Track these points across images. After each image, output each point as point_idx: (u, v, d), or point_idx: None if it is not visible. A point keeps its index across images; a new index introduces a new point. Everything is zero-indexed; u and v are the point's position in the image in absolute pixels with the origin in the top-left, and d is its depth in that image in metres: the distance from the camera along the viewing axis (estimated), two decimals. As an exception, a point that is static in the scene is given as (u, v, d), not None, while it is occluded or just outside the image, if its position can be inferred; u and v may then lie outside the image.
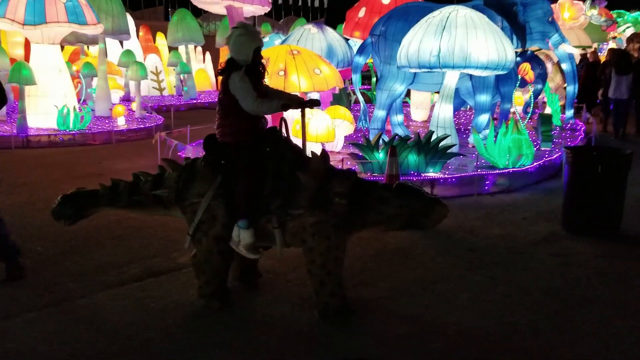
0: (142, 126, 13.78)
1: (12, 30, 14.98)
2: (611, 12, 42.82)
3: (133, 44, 24.57)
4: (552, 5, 21.69)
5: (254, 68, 4.01)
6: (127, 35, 16.42)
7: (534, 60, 11.94)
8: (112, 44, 23.86)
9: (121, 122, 13.83)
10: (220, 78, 4.07)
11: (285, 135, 4.14)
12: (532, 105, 12.67)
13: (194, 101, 22.02)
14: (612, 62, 13.13)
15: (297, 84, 8.29)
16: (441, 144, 8.07)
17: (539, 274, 4.95)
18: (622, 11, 47.18)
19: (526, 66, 8.98)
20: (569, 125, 13.21)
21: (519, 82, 11.99)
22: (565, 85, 15.82)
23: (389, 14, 10.73)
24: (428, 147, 8.01)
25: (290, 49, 8.68)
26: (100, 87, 15.71)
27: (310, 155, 3.99)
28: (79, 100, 14.39)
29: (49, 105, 13.02)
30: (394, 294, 4.46)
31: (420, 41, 8.24)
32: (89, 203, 4.51)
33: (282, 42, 11.96)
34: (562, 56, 11.60)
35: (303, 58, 8.49)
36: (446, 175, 7.91)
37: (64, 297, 4.50)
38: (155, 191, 4.31)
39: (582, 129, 12.62)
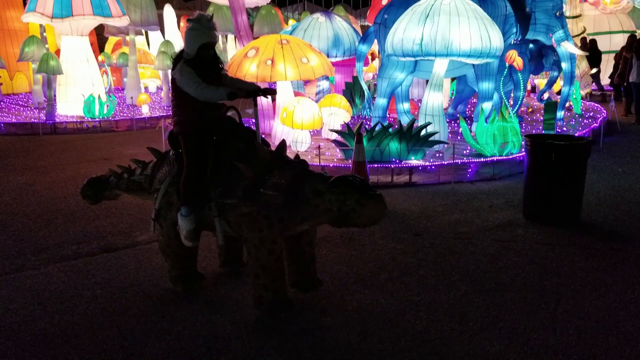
0: (163, 114, 14.35)
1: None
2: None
3: (174, 34, 25.36)
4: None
5: (199, 61, 4.03)
6: (155, 26, 17.02)
7: (549, 47, 11.71)
8: (154, 35, 24.74)
9: (145, 110, 14.44)
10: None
11: (239, 124, 4.18)
12: (546, 92, 12.48)
13: (229, 90, 22.47)
14: (633, 48, 12.77)
15: (284, 72, 8.53)
16: (423, 131, 8.15)
17: (471, 258, 5.04)
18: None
19: (512, 53, 8.84)
20: (590, 113, 12.92)
21: (532, 70, 11.88)
22: (592, 71, 15.38)
23: (392, 2, 10.77)
24: (410, 134, 8.11)
25: (280, 38, 8.91)
26: (130, 76, 16.42)
27: (257, 145, 4.01)
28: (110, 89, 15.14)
29: (77, 93, 13.76)
30: (321, 274, 4.65)
31: (404, 29, 8.31)
32: (103, 186, 4.87)
33: (292, 31, 12.22)
34: (563, 55, 11.08)
35: (291, 47, 8.70)
36: (424, 163, 7.99)
37: (18, 268, 4.95)
38: (137, 177, 4.61)
39: (602, 117, 12.32)
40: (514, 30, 10.27)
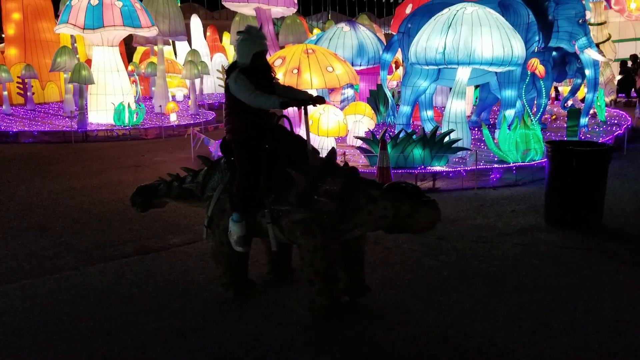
0: (191, 122, 14.69)
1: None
2: None
3: (200, 43, 25.87)
4: (618, -4, 20.87)
5: (253, 70, 4.12)
6: (183, 36, 17.39)
7: (572, 55, 11.77)
8: (181, 45, 25.28)
9: (173, 118, 14.81)
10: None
11: (290, 132, 4.25)
12: (570, 99, 12.52)
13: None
14: None
15: (310, 81, 8.75)
16: (447, 138, 8.29)
17: (493, 261, 5.17)
18: None
19: (534, 61, 8.94)
20: (615, 120, 12.92)
21: (555, 77, 11.94)
22: (615, 78, 15.35)
23: (415, 11, 10.96)
24: (433, 141, 8.26)
25: (306, 47, 9.15)
26: (159, 85, 16.83)
27: (309, 153, 4.05)
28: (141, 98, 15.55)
29: (108, 102, 14.18)
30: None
31: (427, 39, 8.47)
32: (152, 194, 4.91)
33: (317, 40, 12.46)
34: (587, 61, 11.11)
35: (317, 56, 8.93)
36: (448, 169, 8.12)
37: (59, 268, 5.23)
38: (188, 185, 4.68)
39: (627, 123, 12.32)
40: (537, 38, 10.37)
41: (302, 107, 4.16)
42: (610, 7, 20.35)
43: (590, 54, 10.92)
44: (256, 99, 3.99)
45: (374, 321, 4.04)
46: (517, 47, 8.25)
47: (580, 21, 10.57)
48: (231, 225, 4.19)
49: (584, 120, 11.94)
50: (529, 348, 3.66)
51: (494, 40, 8.08)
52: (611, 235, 5.88)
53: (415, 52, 8.69)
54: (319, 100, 4.21)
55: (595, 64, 11.24)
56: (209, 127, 11.99)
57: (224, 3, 12.70)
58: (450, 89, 9.49)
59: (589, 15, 20.43)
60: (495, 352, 3.62)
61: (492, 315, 4.12)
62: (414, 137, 8.28)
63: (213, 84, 26.21)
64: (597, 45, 19.45)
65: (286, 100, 3.97)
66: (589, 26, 20.84)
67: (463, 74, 8.81)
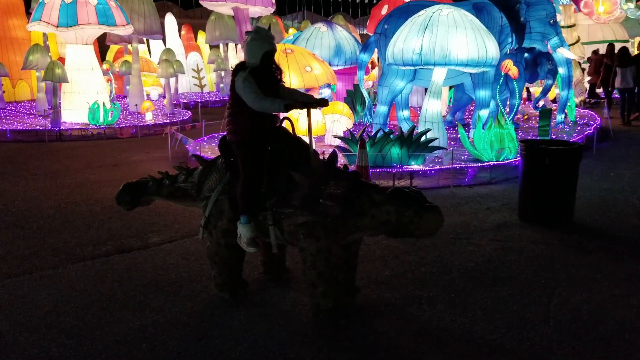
0: (167, 121, 14.62)
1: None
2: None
3: (175, 42, 25.71)
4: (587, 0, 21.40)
5: (262, 71, 4.08)
6: (158, 35, 17.30)
7: (544, 56, 12.05)
8: (155, 43, 25.09)
9: (149, 117, 14.72)
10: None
11: (292, 134, 4.20)
12: (541, 100, 12.82)
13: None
14: (616, 57, 14.58)
15: (288, 81, 8.81)
16: (423, 138, 8.43)
17: (470, 256, 5.31)
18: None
19: (508, 62, 9.14)
20: (584, 120, 13.26)
21: (527, 78, 12.21)
22: (585, 80, 15.77)
23: (391, 12, 11.10)
24: (410, 140, 8.39)
25: (285, 47, 9.20)
26: (133, 84, 16.72)
27: (312, 155, 4.02)
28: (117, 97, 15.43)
29: (82, 101, 14.03)
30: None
31: (404, 40, 8.61)
32: (141, 192, 4.84)
33: (294, 40, 12.53)
34: (560, 60, 11.46)
35: (295, 56, 9.00)
36: (424, 168, 8.27)
37: (38, 268, 5.20)
38: (182, 184, 4.63)
39: (596, 123, 12.66)
40: (510, 40, 10.60)
41: (306, 110, 4.12)
42: (580, 10, 20.84)
43: (563, 52, 11.23)
44: (260, 103, 3.95)
45: (355, 315, 4.13)
46: (491, 48, 8.43)
47: (551, 21, 10.85)
48: (240, 228, 4.16)
49: (560, 117, 12.30)
50: (506, 339, 3.79)
51: (469, 41, 8.25)
52: (582, 231, 6.07)
53: (393, 52, 8.82)
54: (323, 102, 4.19)
55: (568, 62, 11.59)
56: (186, 127, 11.97)
57: (201, 2, 12.68)
58: (426, 89, 9.64)
59: (559, 17, 20.91)
60: (474, 343, 3.74)
61: (471, 308, 4.24)
62: (392, 136, 8.40)
63: (188, 83, 26.08)
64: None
65: (290, 102, 3.95)
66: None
67: (439, 74, 8.96)
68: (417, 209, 3.67)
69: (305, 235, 3.87)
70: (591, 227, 6.22)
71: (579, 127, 12.26)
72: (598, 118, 13.62)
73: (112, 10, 14.07)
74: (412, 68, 9.00)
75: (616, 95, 16.03)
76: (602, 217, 6.55)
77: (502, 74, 9.70)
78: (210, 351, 3.69)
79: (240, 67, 4.15)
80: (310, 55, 9.35)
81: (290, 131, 4.22)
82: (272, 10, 12.69)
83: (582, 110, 14.97)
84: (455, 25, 8.31)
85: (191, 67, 26.19)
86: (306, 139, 4.16)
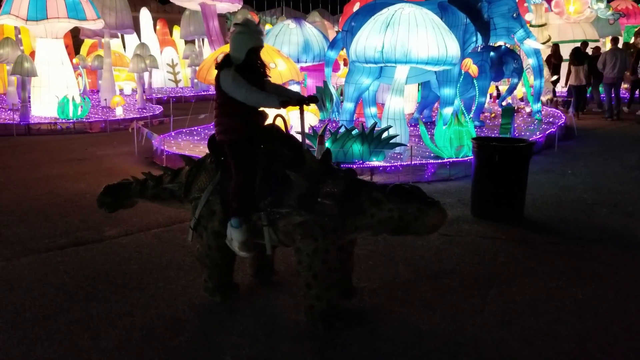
0: (137, 116, 14.59)
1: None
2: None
3: (150, 37, 25.58)
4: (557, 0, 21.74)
5: (248, 66, 3.94)
6: (130, 30, 17.22)
7: (509, 55, 12.28)
8: (130, 38, 24.93)
9: (119, 112, 14.67)
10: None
11: (285, 131, 4.09)
12: (507, 98, 13.08)
13: (204, 92, 22.77)
14: (570, 56, 15.74)
15: (252, 77, 8.89)
16: (385, 134, 8.58)
17: (418, 250, 5.44)
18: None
19: (467, 61, 9.32)
20: (548, 118, 13.52)
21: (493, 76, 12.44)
22: (552, 79, 16.12)
23: (358, 10, 11.23)
24: (371, 137, 8.54)
25: (250, 44, 9.27)
26: (105, 78, 16.63)
27: (306, 153, 3.91)
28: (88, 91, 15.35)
29: (51, 95, 13.95)
30: (278, 265, 4.99)
31: (367, 37, 8.73)
32: (123, 194, 4.67)
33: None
34: (528, 51, 11.83)
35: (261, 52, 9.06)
36: (384, 164, 8.42)
37: (-9, 260, 5.25)
38: (169, 185, 4.46)
39: (560, 122, 12.93)
40: (474, 38, 10.80)
41: (300, 107, 3.97)
42: (551, 10, 21.16)
43: (530, 43, 11.54)
44: (253, 97, 3.80)
45: (298, 306, 4.24)
46: (451, 47, 8.59)
47: (514, 15, 11.12)
48: (231, 231, 3.97)
49: (537, 106, 12.68)
50: (439, 329, 3.94)
51: (430, 40, 8.39)
52: (531, 226, 6.25)
53: (356, 50, 8.94)
54: (314, 99, 4.06)
55: (537, 52, 11.91)
56: (153, 122, 11.97)
57: (170, -1, 12.69)
58: (387, 86, 9.79)
59: (530, 17, 21.25)
60: (408, 333, 3.88)
61: (410, 300, 4.38)
62: (354, 132, 8.54)
63: (163, 78, 25.98)
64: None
65: (285, 99, 3.79)
66: (531, 27, 21.69)
67: (401, 72, 9.10)
68: (420, 206, 3.57)
69: (302, 236, 3.76)
70: (540, 222, 6.40)
71: (544, 126, 12.51)
72: (564, 116, 13.90)
73: (82, 4, 13.98)
74: (375, 66, 9.14)
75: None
76: (552, 213, 6.74)
77: (463, 73, 9.87)
78: (150, 340, 3.78)
79: (225, 61, 3.98)
80: (275, 52, 9.42)
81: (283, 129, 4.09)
82: (239, 6, 12.73)
83: (548, 109, 15.25)
84: (416, 23, 8.45)
85: (166, 62, 26.09)
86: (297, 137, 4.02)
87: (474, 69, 9.37)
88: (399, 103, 9.28)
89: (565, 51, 19.98)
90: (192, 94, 22.28)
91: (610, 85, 15.46)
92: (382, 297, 4.42)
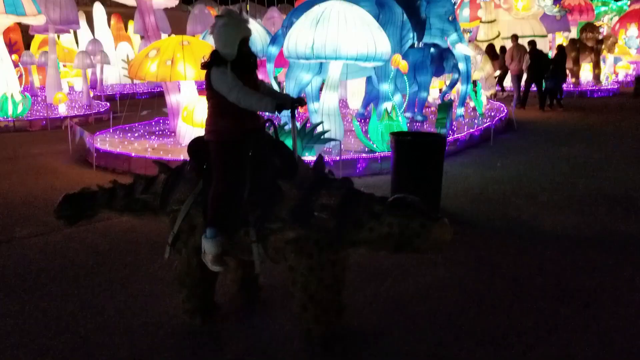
0: (81, 113, 14.37)
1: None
2: (596, 1, 42.82)
3: (104, 32, 25.18)
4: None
5: (241, 61, 3.64)
6: (76, 25, 16.93)
7: (449, 51, 12.44)
8: (83, 33, 24.51)
9: (62, 109, 14.43)
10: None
11: (277, 138, 3.83)
12: (449, 93, 13.30)
13: (160, 89, 22.49)
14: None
15: (183, 73, 8.85)
16: (318, 129, 8.64)
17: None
18: (607, 0, 47.14)
19: (396, 57, 9.44)
20: (492, 112, 13.77)
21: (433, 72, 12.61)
22: (495, 74, 16.39)
23: (298, 6, 11.25)
24: (304, 132, 8.58)
25: (182, 39, 9.22)
26: (50, 75, 16.33)
27: (299, 162, 3.67)
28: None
29: (-10, 92, 13.64)
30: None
31: (298, 34, 8.76)
32: (87, 205, 4.16)
33: (204, 35, 12.52)
34: (459, 56, 11.90)
35: (192, 48, 9.03)
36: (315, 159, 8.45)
37: None
38: (142, 196, 4.02)
39: (502, 116, 13.18)
40: (411, 35, 10.91)
41: (291, 110, 3.66)
42: (500, 6, 21.53)
43: (461, 49, 11.62)
44: (246, 98, 3.49)
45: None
46: (381, 43, 8.67)
47: (450, 18, 11.22)
48: (205, 242, 3.62)
49: (460, 111, 12.73)
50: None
51: (359, 36, 8.46)
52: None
53: (288, 46, 8.97)
54: (301, 102, 3.71)
55: (467, 58, 11.98)
56: (89, 119, 11.79)
57: (104, -7, 12.52)
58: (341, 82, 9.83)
59: (480, 13, 21.55)
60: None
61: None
62: (286, 127, 8.57)
63: (118, 74, 25.63)
64: (488, 41, 20.59)
65: (280, 102, 3.48)
66: (481, 23, 21.96)
67: (334, 68, 9.16)
68: (423, 221, 3.28)
69: (295, 253, 3.46)
70: (454, 214, 6.52)
71: (486, 120, 12.71)
72: (505, 110, 14.16)
73: (21, -1, 13.71)
74: (306, 62, 9.17)
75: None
76: (469, 206, 6.88)
77: (393, 69, 9.98)
78: (24, 340, 3.77)
79: (215, 59, 3.63)
80: (208, 47, 9.36)
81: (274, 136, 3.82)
82: (176, 2, 12.61)
83: (493, 103, 15.53)
84: (346, 20, 8.50)
85: (121, 57, 25.73)
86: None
87: (403, 66, 9.48)
88: (334, 98, 9.33)
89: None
90: (146, 91, 22.02)
91: (517, 77, 17.38)
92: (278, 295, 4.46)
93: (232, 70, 3.55)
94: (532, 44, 16.64)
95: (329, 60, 8.68)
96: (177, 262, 3.88)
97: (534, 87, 16.83)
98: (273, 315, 4.06)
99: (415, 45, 11.72)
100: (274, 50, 11.71)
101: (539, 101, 16.59)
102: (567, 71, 21.24)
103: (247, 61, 3.69)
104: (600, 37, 22.56)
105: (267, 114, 3.73)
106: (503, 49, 19.18)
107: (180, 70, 8.83)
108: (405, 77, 10.49)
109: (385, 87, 10.73)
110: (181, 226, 3.73)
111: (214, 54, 3.65)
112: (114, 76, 25.27)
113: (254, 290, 4.34)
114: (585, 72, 22.47)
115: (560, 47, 17.20)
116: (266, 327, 3.93)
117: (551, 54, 20.43)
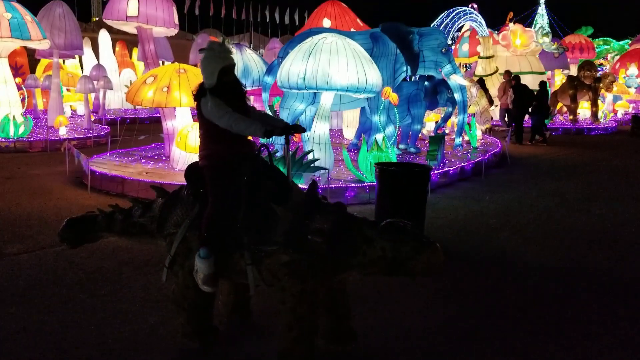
0: (81, 136, 14.61)
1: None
2: (598, 40, 43.48)
3: (108, 58, 25.65)
4: (504, 32, 22.55)
5: (223, 89, 3.77)
6: (80, 51, 17.31)
7: (443, 85, 12.71)
8: (88, 58, 24.98)
9: (62, 132, 14.67)
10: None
11: (270, 163, 3.93)
12: (443, 127, 13.53)
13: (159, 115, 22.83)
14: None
15: (179, 99, 9.08)
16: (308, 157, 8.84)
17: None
18: (608, 39, 47.88)
19: (387, 90, 9.67)
20: (484, 146, 13.97)
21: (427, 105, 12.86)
22: (490, 108, 16.65)
23: (293, 38, 11.56)
24: (294, 160, 8.76)
25: (179, 67, 9.48)
26: (52, 98, 16.63)
27: (293, 186, 3.76)
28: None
29: (-7, 114, 13.90)
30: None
31: (291, 64, 9.02)
32: (89, 228, 4.30)
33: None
34: (454, 86, 12.15)
35: (188, 76, 9.28)
36: (305, 187, 8.61)
37: None
38: (139, 219, 4.12)
39: (495, 150, 13.36)
40: (405, 68, 11.19)
41: (285, 136, 3.79)
42: (498, 42, 21.94)
43: (456, 79, 11.88)
44: (237, 124, 3.61)
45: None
46: (372, 75, 8.91)
47: (443, 50, 11.49)
48: (198, 262, 3.69)
49: (458, 140, 12.98)
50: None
51: (350, 68, 8.71)
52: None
53: (281, 76, 9.22)
54: (300, 129, 3.82)
55: (462, 88, 12.24)
56: (87, 142, 12.01)
57: (105, 20, 12.86)
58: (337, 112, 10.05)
59: (479, 48, 21.95)
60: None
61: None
62: (277, 155, 8.75)
63: (120, 99, 26.00)
64: (485, 77, 20.93)
65: (270, 129, 3.61)
66: (479, 59, 22.33)
67: (326, 99, 9.39)
68: (415, 245, 3.37)
69: (289, 276, 3.49)
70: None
71: (479, 154, 12.88)
72: (500, 145, 14.35)
73: (27, 24, 14.04)
74: (298, 91, 9.41)
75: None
76: (452, 236, 7.00)
77: (384, 101, 10.21)
78: (3, 351, 3.89)
79: (200, 90, 3.82)
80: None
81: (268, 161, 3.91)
82: (176, 30, 12.93)
83: (488, 138, 15.74)
84: (337, 52, 8.76)
85: (124, 83, 26.14)
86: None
87: (393, 97, 9.70)
88: (324, 128, 9.53)
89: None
90: (147, 116, 22.33)
91: (505, 110, 17.89)
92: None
93: (218, 98, 3.69)
94: (516, 78, 16.98)
95: (320, 90, 8.91)
96: (174, 285, 3.93)
97: (527, 123, 17.11)
98: (265, 340, 4.09)
99: (409, 79, 12.03)
100: (269, 79, 11.98)
101: (531, 135, 16.85)
102: (565, 108, 21.60)
103: (229, 88, 3.81)
104: (598, 75, 22.91)
105: (261, 139, 3.83)
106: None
107: (176, 97, 9.07)
108: (395, 109, 10.70)
109: (377, 118, 10.95)
110: (178, 249, 3.80)
111: (199, 85, 3.86)
112: (117, 101, 25.65)
113: (245, 314, 4.38)
114: (583, 110, 22.75)
115: (542, 83, 17.46)
116: (256, 349, 3.98)
117: (550, 91, 20.75)
